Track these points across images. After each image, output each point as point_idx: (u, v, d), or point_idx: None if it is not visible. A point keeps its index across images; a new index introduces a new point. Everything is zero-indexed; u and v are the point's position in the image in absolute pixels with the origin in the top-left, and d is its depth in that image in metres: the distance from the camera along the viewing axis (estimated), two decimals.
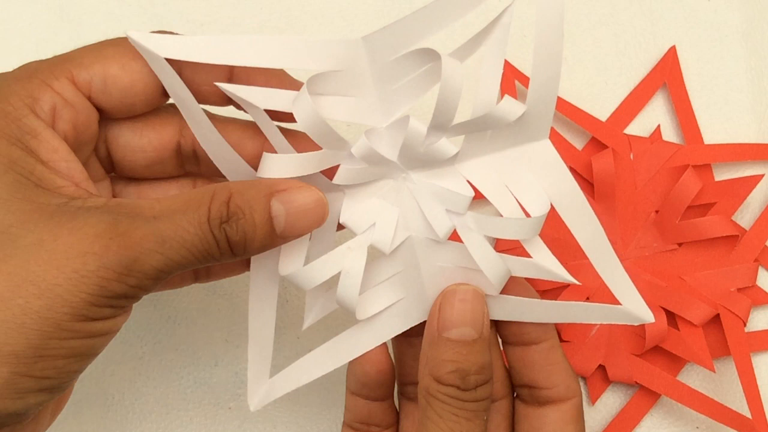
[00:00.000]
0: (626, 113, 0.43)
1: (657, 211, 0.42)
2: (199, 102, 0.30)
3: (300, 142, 0.31)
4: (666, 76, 0.43)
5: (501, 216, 0.31)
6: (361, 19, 0.44)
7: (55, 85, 0.29)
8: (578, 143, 0.43)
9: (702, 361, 0.40)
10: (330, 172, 0.31)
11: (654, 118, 0.44)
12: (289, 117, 0.30)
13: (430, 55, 0.30)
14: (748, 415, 0.39)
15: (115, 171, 0.33)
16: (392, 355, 0.34)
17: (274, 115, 0.30)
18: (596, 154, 0.41)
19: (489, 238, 0.33)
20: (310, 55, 0.30)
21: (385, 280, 0.33)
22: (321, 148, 0.30)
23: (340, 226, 0.32)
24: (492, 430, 0.34)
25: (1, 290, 0.26)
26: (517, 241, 0.31)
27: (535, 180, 0.31)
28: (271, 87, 0.30)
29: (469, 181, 0.32)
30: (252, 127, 0.32)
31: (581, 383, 0.41)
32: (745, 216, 0.42)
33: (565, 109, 0.43)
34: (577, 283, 0.31)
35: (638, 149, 0.42)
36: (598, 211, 0.40)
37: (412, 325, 0.33)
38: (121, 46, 0.30)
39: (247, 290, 0.32)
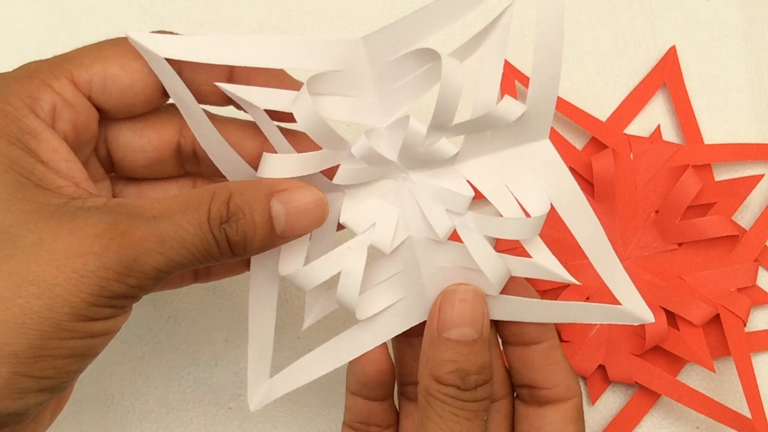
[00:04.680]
0: (626, 113, 0.43)
1: (657, 211, 0.42)
2: (199, 102, 0.30)
3: (300, 142, 0.31)
4: (666, 76, 0.43)
5: (501, 216, 0.31)
6: (361, 19, 0.44)
7: (55, 85, 0.29)
8: (578, 143, 0.43)
9: (702, 361, 0.40)
10: (330, 172, 0.31)
11: (654, 118, 0.44)
12: (289, 117, 0.30)
13: (430, 55, 0.30)
14: (748, 415, 0.39)
15: (115, 171, 0.33)
16: (392, 355, 0.34)
17: (274, 115, 0.30)
18: (596, 154, 0.41)
19: (489, 238, 0.33)
20: (310, 55, 0.30)
21: (385, 280, 0.33)
22: (321, 148, 0.30)
23: (340, 226, 0.32)
24: (492, 430, 0.34)
25: (1, 290, 0.26)
26: (517, 241, 0.31)
27: (535, 180, 0.31)
28: (271, 87, 0.30)
29: (469, 181, 0.32)
30: (252, 127, 0.32)
31: (581, 383, 0.41)
32: (745, 216, 0.42)
33: (565, 109, 0.42)
34: (577, 283, 0.31)
35: (638, 149, 0.42)
36: (598, 211, 0.40)
37: (412, 325, 0.33)
38: (121, 46, 0.30)
39: (247, 290, 0.32)
